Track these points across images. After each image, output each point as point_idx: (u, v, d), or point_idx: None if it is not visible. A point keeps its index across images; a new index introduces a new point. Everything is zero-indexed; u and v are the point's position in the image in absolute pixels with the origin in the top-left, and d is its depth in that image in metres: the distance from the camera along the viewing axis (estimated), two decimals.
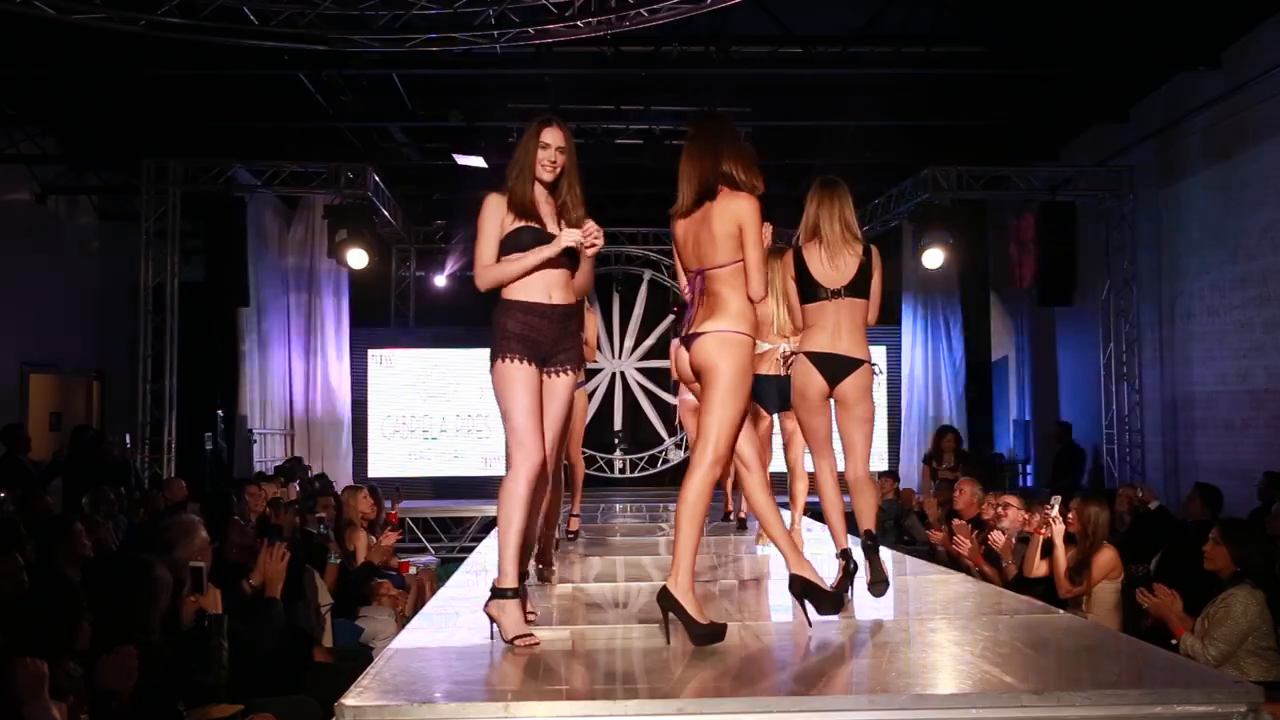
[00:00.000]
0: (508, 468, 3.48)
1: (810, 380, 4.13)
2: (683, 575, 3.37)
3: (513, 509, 3.44)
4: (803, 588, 3.63)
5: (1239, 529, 5.07)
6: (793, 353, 4.67)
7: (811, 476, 4.47)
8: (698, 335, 3.53)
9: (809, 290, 4.18)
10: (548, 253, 3.50)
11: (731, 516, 7.67)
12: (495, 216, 3.55)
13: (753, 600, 4.52)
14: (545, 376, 3.56)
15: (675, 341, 9.46)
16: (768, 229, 4.48)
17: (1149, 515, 8.19)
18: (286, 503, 7.68)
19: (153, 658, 3.58)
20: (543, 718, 2.78)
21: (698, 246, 3.58)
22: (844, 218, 4.18)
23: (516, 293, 3.53)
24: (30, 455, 9.56)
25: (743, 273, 3.51)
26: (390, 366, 13.21)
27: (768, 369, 5.33)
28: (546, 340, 3.54)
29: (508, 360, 3.48)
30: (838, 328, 4.11)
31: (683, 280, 3.76)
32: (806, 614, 3.66)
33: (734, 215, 3.51)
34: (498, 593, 3.45)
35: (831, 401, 4.18)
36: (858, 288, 4.14)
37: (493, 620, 3.47)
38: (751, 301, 3.53)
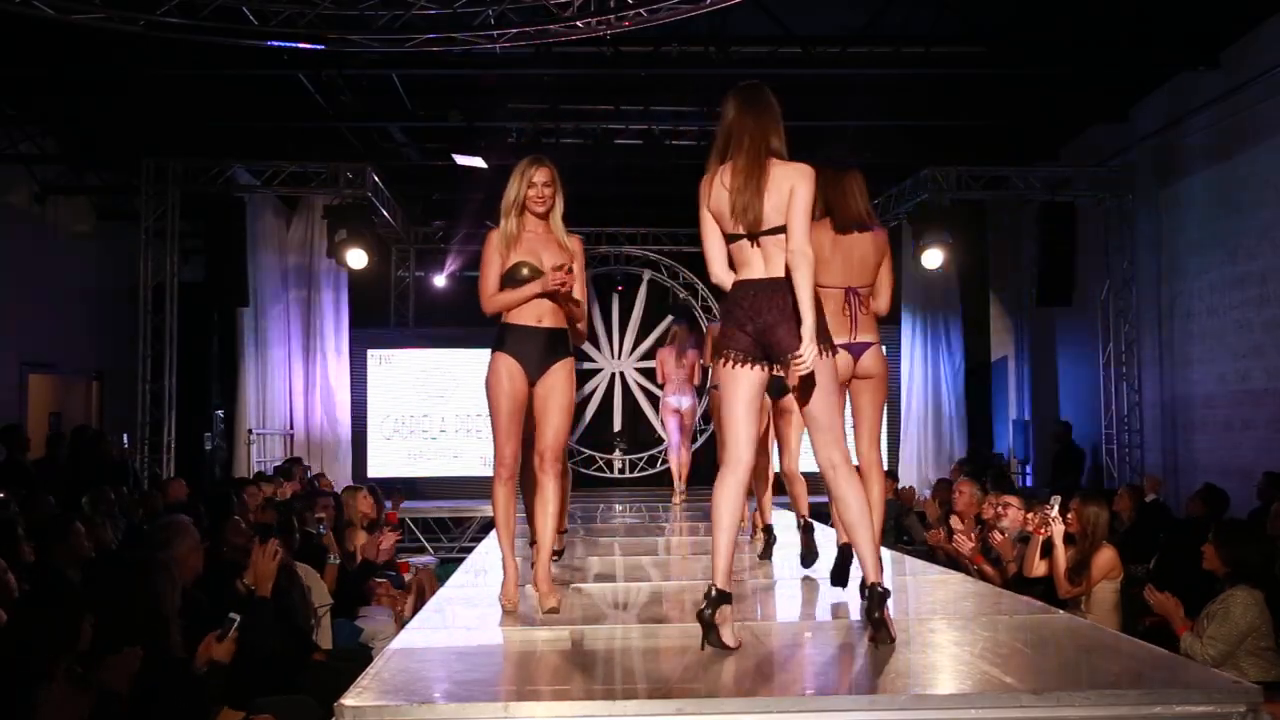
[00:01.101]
0: (722, 469, 3.45)
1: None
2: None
3: (729, 509, 3.44)
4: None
5: (1232, 531, 5.06)
6: None
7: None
8: (868, 345, 4.23)
9: None
10: None
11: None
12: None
13: (752, 600, 4.52)
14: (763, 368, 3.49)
15: (664, 349, 9.70)
16: None
17: (1145, 508, 8.21)
18: (271, 501, 7.70)
19: (154, 659, 3.58)
20: (542, 718, 2.78)
21: (848, 268, 4.20)
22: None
23: (737, 272, 3.52)
24: (40, 454, 9.60)
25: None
26: (390, 366, 13.21)
27: None
28: (756, 324, 3.48)
29: (730, 364, 3.46)
30: None
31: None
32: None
33: (881, 248, 4.29)
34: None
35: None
36: None
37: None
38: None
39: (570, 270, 3.99)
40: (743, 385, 3.47)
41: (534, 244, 4.08)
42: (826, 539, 5.35)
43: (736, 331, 3.47)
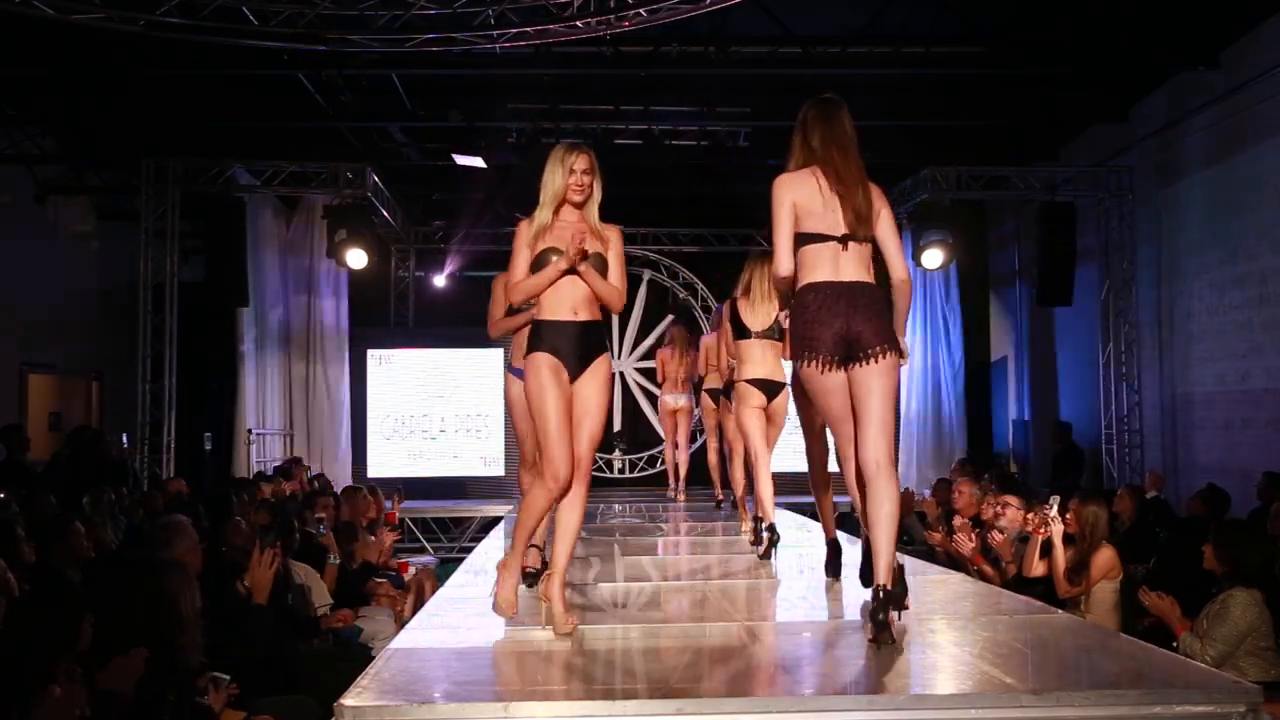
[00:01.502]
0: (841, 459, 3.66)
1: (752, 395, 5.63)
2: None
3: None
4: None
5: (1232, 531, 5.06)
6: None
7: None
8: None
9: (742, 333, 5.64)
10: None
11: (722, 505, 8.18)
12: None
13: (752, 600, 4.52)
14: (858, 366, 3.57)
15: (664, 350, 9.81)
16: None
17: (1146, 505, 8.21)
18: (266, 501, 7.70)
19: (161, 661, 3.57)
20: (542, 718, 2.78)
21: None
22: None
23: (807, 274, 3.61)
24: (47, 454, 9.58)
25: None
26: (390, 366, 13.21)
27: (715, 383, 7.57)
28: (837, 320, 3.58)
29: (821, 369, 3.54)
30: (764, 359, 5.56)
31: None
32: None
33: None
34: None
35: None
36: (777, 332, 5.47)
37: None
38: None
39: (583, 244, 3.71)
40: (838, 390, 3.56)
41: (567, 235, 3.75)
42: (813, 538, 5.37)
43: (821, 330, 3.53)
